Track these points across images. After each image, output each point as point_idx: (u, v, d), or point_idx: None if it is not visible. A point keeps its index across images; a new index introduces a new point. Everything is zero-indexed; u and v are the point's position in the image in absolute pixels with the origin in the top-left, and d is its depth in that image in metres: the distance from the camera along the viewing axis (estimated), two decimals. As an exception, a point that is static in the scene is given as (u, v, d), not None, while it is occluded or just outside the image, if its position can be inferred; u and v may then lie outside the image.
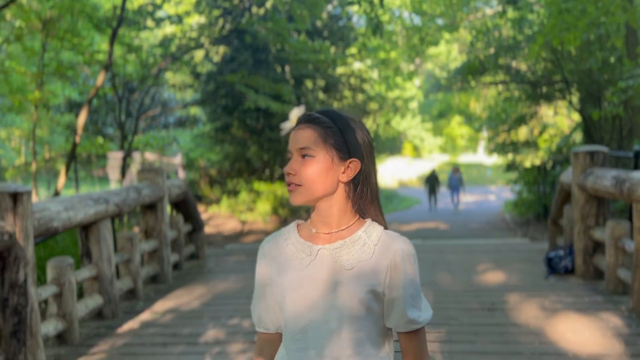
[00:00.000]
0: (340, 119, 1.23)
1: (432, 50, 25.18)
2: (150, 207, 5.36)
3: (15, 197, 3.24)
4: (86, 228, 4.32)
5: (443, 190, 17.51)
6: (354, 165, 1.22)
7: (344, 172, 1.22)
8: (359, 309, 1.19)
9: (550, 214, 6.22)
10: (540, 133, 11.67)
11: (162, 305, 4.70)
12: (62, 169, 8.44)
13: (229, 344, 3.72)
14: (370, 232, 1.24)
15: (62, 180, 8.37)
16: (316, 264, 1.22)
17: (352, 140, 1.23)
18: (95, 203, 4.25)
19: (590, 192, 4.92)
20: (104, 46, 13.11)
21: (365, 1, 7.75)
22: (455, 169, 16.01)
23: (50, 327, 3.70)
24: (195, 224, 6.47)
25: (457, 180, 15.49)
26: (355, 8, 10.33)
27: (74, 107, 13.72)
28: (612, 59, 7.48)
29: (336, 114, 1.25)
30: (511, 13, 7.41)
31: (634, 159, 5.77)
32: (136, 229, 7.76)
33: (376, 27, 8.21)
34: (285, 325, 1.24)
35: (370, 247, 1.22)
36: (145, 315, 4.44)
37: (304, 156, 1.21)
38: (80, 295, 4.50)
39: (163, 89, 14.38)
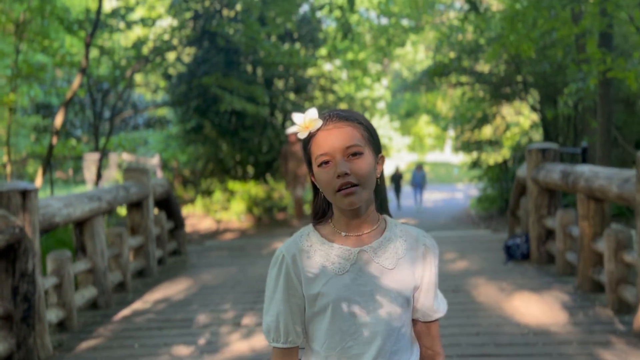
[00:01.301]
0: (361, 115, 1.25)
1: (399, 50, 25.89)
2: (137, 205, 5.72)
3: (25, 195, 3.60)
4: (81, 224, 4.67)
5: (407, 189, 17.51)
6: (382, 160, 1.26)
7: (377, 168, 1.24)
8: (403, 306, 1.21)
9: (509, 206, 6.83)
10: (504, 132, 12.38)
11: (151, 296, 5.08)
12: (39, 171, 8.66)
13: (220, 326, 4.14)
14: (395, 228, 1.26)
15: (38, 181, 8.58)
16: (357, 268, 1.20)
17: (376, 135, 1.26)
18: (90, 200, 4.60)
19: (542, 185, 5.51)
20: (75, 48, 13.26)
21: (336, 7, 8.23)
22: (419, 166, 15.85)
23: (52, 315, 4.05)
24: (177, 221, 6.84)
25: (420, 177, 15.32)
26: (325, 11, 10.80)
27: (40, 108, 13.82)
28: (567, 63, 8.18)
29: (354, 111, 1.26)
30: (472, 17, 7.99)
31: (582, 155, 6.42)
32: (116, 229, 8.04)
33: (347, 31, 8.70)
34: (328, 335, 1.21)
35: (402, 243, 1.24)
36: (137, 305, 4.82)
37: (353, 154, 1.18)
38: (75, 286, 4.84)
39: (133, 90, 14.57)
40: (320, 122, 1.19)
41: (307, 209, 10.24)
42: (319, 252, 1.22)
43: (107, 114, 12.13)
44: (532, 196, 5.69)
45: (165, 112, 17.14)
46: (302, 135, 1.21)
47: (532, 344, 3.57)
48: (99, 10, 8.67)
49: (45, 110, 13.76)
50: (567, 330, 3.78)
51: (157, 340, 3.92)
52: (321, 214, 1.28)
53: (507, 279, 5.16)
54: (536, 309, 4.25)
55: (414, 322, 1.28)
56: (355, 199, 1.17)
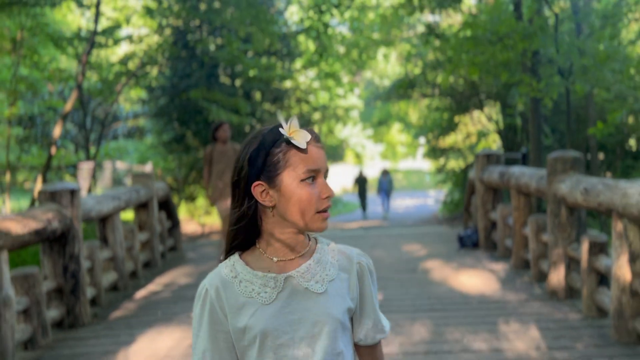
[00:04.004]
0: None
1: (370, 60, 27.32)
2: (144, 205, 6.79)
3: (73, 193, 4.68)
4: (104, 219, 5.73)
5: (372, 195, 17.12)
6: None
7: None
8: (338, 331, 1.18)
9: (464, 203, 8.11)
10: (464, 140, 13.79)
11: (161, 280, 6.16)
12: (39, 179, 9.62)
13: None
14: (326, 248, 1.25)
15: (38, 188, 9.54)
16: (284, 295, 1.17)
17: None
18: (112, 199, 5.68)
19: (487, 184, 6.80)
20: (64, 64, 14.20)
21: (314, 30, 9.45)
22: (385, 171, 15.62)
23: (87, 292, 5.11)
24: (174, 220, 7.91)
25: (387, 183, 15.07)
26: (302, 36, 12.00)
27: (22, 121, 14.69)
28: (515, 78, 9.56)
29: None
30: (432, 40, 9.27)
31: (522, 159, 7.77)
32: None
33: (323, 50, 9.92)
34: None
35: (334, 264, 1.22)
36: (151, 287, 5.90)
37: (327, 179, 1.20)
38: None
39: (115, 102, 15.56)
40: (308, 135, 1.17)
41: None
42: (244, 282, 1.19)
43: (88, 124, 13.11)
44: (479, 194, 6.97)
45: (142, 122, 18.13)
46: (301, 143, 1.15)
47: (470, 303, 4.79)
48: (95, 30, 9.71)
49: (26, 122, 14.65)
50: (498, 294, 5.02)
51: (175, 309, 5.02)
52: (243, 241, 1.22)
53: (458, 261, 6.41)
54: (477, 281, 5.49)
55: (356, 345, 1.26)
56: (327, 223, 1.19)
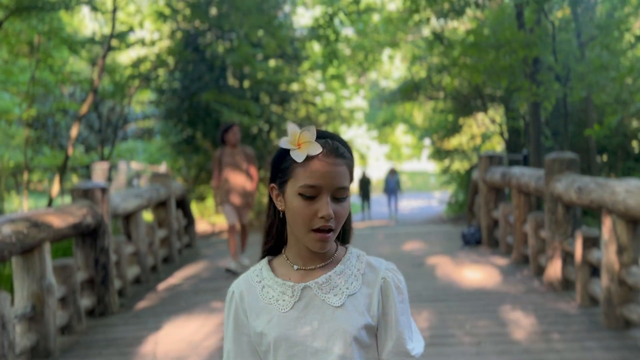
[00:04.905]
0: (349, 147, 1.21)
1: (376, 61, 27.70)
2: (163, 204, 7.20)
3: (104, 191, 5.09)
4: (127, 216, 6.14)
5: (378, 195, 16.64)
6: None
7: None
8: (354, 348, 1.15)
9: (468, 203, 8.49)
10: (468, 141, 14.17)
11: (180, 274, 6.57)
12: (56, 179, 10.04)
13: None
14: (354, 260, 1.22)
15: (55, 188, 9.96)
16: (301, 306, 1.17)
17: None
18: (136, 197, 6.10)
19: (489, 184, 7.18)
20: (77, 65, 14.66)
21: (324, 37, 9.86)
22: (392, 170, 15.45)
23: (115, 283, 5.52)
24: (190, 219, 8.32)
25: (394, 182, 14.91)
26: (313, 41, 12.41)
27: (33, 122, 15.16)
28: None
29: (346, 142, 1.22)
30: (437, 45, 9.66)
31: (523, 160, 8.15)
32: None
33: (332, 56, 10.33)
34: None
35: (358, 277, 1.19)
36: (171, 280, 6.30)
37: (339, 198, 1.15)
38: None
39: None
40: (318, 148, 1.14)
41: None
42: (267, 288, 1.20)
43: (101, 126, 13.55)
44: (482, 194, 7.35)
45: (152, 123, 18.59)
46: (298, 156, 1.14)
47: (472, 294, 5.18)
48: (111, 34, 10.13)
49: (37, 123, 15.12)
50: (499, 286, 5.41)
51: (196, 300, 5.42)
52: (274, 244, 1.25)
53: (461, 257, 6.79)
54: (479, 275, 5.87)
55: None
56: (328, 244, 1.16)
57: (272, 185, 1.22)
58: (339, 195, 1.15)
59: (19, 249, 3.76)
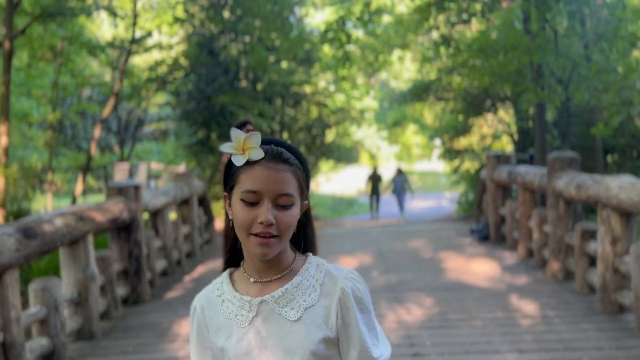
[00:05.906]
0: (300, 155, 1.20)
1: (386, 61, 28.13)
2: (186, 202, 7.66)
3: (137, 188, 5.56)
4: (155, 213, 6.61)
5: (387, 195, 16.65)
6: (305, 205, 1.21)
7: (302, 207, 1.19)
8: None
9: (476, 200, 8.89)
10: (479, 141, 14.53)
11: (204, 267, 7.03)
12: (80, 178, 10.55)
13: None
14: (313, 270, 1.20)
15: (79, 188, 10.47)
16: (259, 321, 1.16)
17: (309, 178, 1.21)
18: (163, 195, 6.56)
19: (497, 183, 7.58)
20: (92, 69, 15.22)
21: (337, 40, 10.30)
22: (399, 170, 15.23)
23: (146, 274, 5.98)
24: (210, 216, 8.79)
25: (401, 182, 14.70)
26: (327, 45, 12.85)
27: (52, 125, 15.75)
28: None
29: (296, 149, 1.20)
30: (445, 48, 10.05)
31: (529, 159, 8.54)
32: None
33: (345, 59, 10.77)
34: None
35: (316, 288, 1.18)
36: (195, 273, 6.76)
37: (283, 206, 1.13)
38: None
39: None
40: (260, 153, 1.13)
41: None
42: (227, 302, 1.20)
43: (120, 128, 14.11)
44: (490, 191, 7.75)
45: (167, 125, 19.14)
46: (238, 160, 1.14)
47: (479, 284, 5.59)
48: (132, 39, 10.63)
49: (57, 125, 15.70)
50: (504, 277, 5.82)
51: (221, 290, 5.87)
52: (234, 255, 1.25)
53: (469, 251, 7.20)
54: (486, 267, 6.28)
55: None
56: (269, 250, 1.13)
57: (224, 193, 1.22)
58: (283, 202, 1.14)
59: (68, 240, 4.23)
